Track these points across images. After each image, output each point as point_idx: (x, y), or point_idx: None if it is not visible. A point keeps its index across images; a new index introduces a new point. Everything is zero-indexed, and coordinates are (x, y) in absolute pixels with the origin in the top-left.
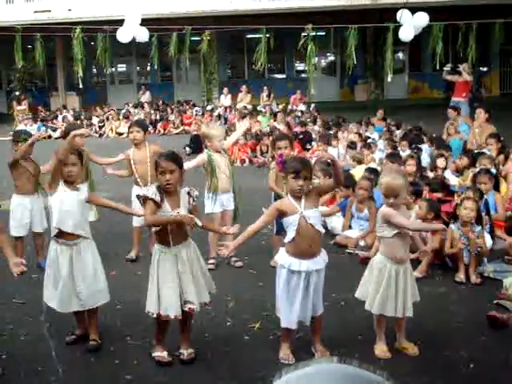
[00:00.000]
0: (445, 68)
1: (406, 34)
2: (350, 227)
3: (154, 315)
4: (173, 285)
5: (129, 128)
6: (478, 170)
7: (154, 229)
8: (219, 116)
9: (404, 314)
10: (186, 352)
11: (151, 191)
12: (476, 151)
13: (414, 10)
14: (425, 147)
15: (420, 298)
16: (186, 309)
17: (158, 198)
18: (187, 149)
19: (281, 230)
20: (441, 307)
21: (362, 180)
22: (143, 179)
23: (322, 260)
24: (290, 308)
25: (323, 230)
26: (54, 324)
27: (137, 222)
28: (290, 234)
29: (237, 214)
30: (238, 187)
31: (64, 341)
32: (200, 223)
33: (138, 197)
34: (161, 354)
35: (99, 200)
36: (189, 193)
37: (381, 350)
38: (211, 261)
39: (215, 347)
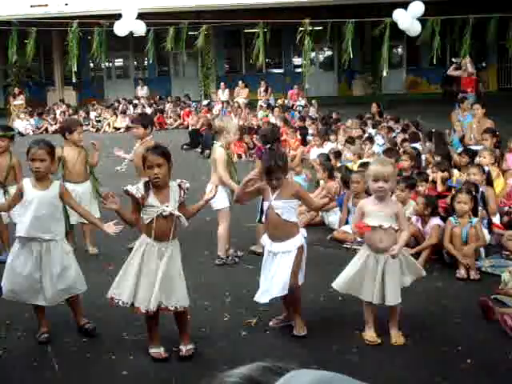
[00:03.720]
0: (452, 65)
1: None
2: (347, 222)
3: (128, 304)
4: (152, 281)
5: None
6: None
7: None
8: (217, 111)
9: (383, 302)
10: (184, 348)
11: (135, 186)
12: (472, 147)
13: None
14: (419, 145)
15: (418, 293)
16: (162, 306)
17: (138, 195)
18: (185, 146)
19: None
20: (439, 302)
21: (354, 174)
22: (136, 173)
23: (292, 245)
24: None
25: (295, 220)
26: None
27: None
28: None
29: None
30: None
31: (60, 336)
32: (186, 223)
33: (124, 191)
34: (157, 349)
35: (70, 200)
36: (179, 185)
37: (370, 336)
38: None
39: (212, 342)
